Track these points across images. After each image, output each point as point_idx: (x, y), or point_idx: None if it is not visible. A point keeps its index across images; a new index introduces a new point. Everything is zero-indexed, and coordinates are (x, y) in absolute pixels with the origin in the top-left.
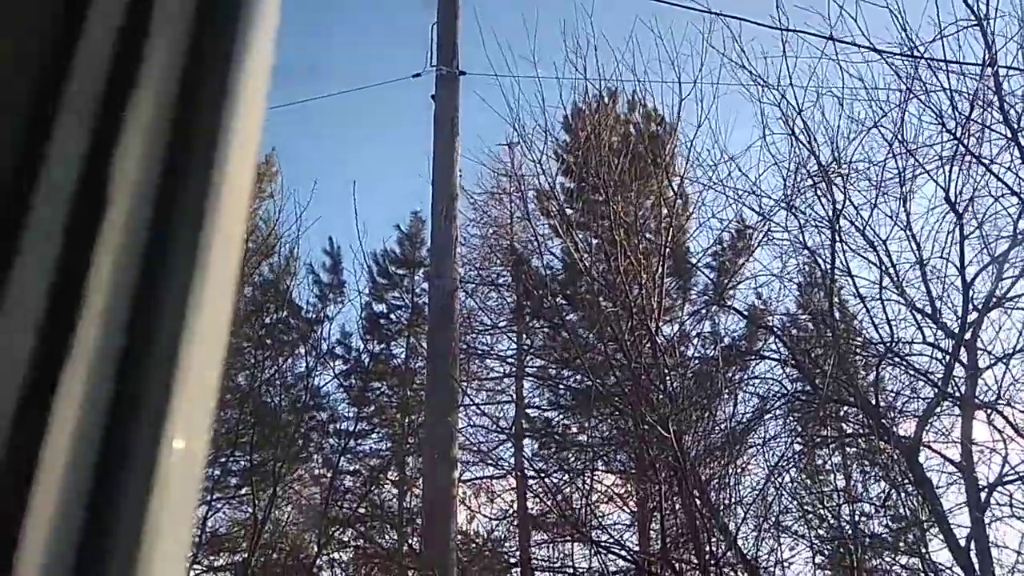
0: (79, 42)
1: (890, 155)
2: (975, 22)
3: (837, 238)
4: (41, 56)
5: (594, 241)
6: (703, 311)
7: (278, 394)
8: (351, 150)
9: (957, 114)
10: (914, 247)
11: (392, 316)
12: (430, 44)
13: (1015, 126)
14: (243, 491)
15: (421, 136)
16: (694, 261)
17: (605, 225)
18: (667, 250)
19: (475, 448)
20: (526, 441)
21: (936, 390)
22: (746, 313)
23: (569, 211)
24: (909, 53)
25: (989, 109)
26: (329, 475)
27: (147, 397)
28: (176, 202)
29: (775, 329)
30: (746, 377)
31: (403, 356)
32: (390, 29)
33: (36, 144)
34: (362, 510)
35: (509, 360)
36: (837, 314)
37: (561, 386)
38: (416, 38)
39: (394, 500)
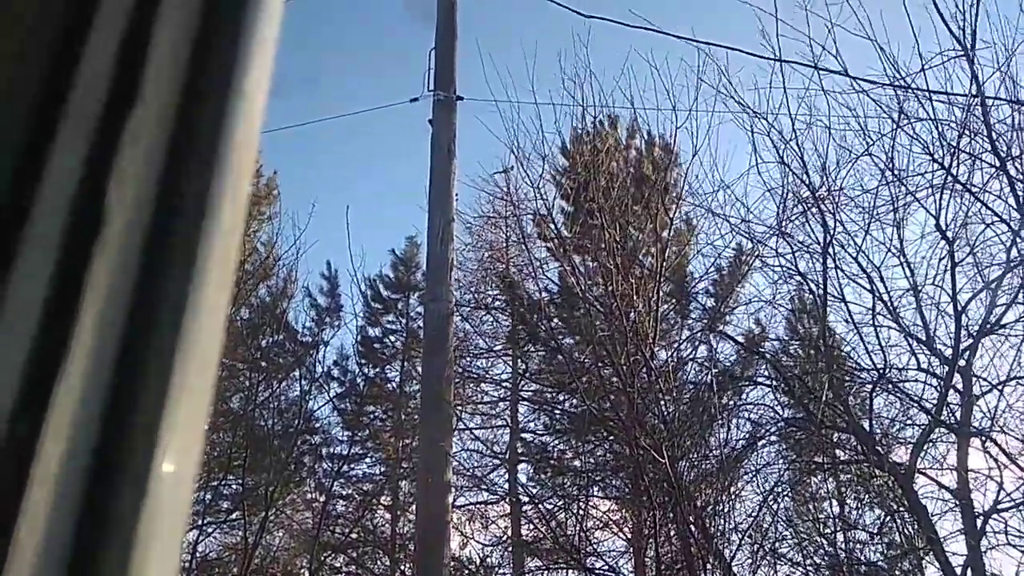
0: (83, 51)
1: (882, 182)
2: (962, 52)
3: (829, 264)
4: (45, 64)
5: (591, 265)
6: (698, 336)
7: (272, 417)
8: (349, 172)
9: (945, 143)
10: (908, 273)
11: (387, 340)
12: (428, 69)
13: (1002, 155)
14: (234, 515)
15: (419, 159)
16: (689, 287)
17: (603, 249)
18: (662, 276)
19: (469, 473)
20: (521, 466)
21: (930, 417)
22: (739, 339)
23: (566, 234)
24: (896, 84)
25: (977, 138)
26: (321, 500)
27: (138, 420)
28: (173, 218)
29: (767, 355)
30: (740, 403)
31: (397, 380)
32: (390, 51)
33: (37, 153)
34: (354, 535)
35: (504, 384)
36: (830, 339)
37: (557, 410)
38: (416, 58)
39: (387, 525)
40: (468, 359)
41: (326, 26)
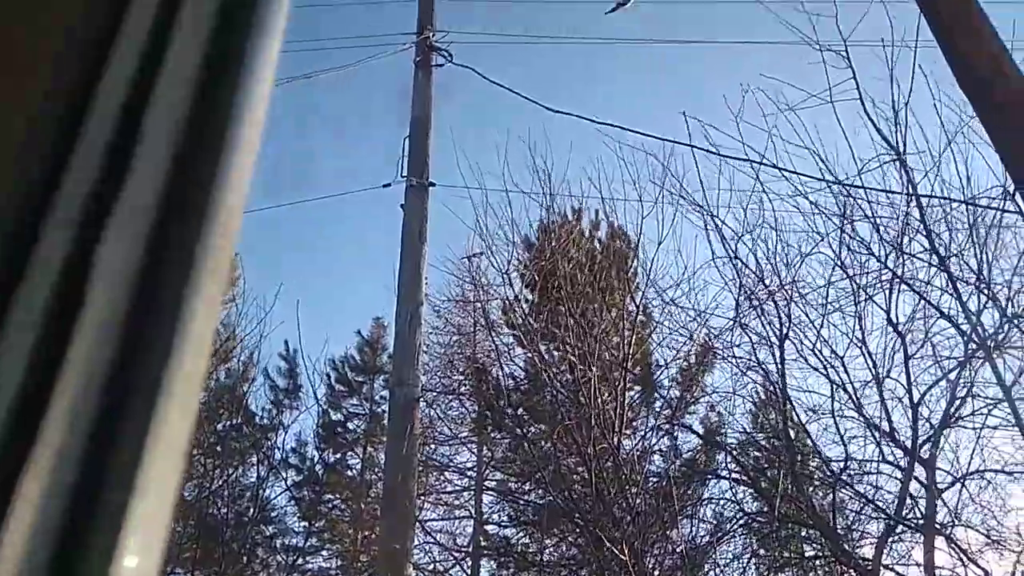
0: (82, 129)
1: (834, 278)
2: (894, 156)
3: (788, 355)
4: (48, 132)
5: (556, 353)
6: (661, 428)
7: (225, 506)
8: (317, 249)
9: (883, 244)
10: (870, 364)
11: (349, 424)
12: (401, 156)
13: (941, 253)
14: None
15: (390, 237)
16: (653, 376)
17: (568, 337)
18: (627, 364)
19: (431, 568)
20: (483, 561)
21: (892, 513)
22: (702, 431)
23: (533, 322)
24: (836, 186)
25: (918, 236)
26: None
27: (102, 514)
28: (154, 297)
29: (730, 448)
30: (704, 496)
31: (359, 467)
32: (364, 137)
33: (31, 223)
34: None
35: (469, 473)
36: (791, 433)
37: (521, 501)
38: (388, 143)
39: None
40: (433, 446)
41: (302, 103)
